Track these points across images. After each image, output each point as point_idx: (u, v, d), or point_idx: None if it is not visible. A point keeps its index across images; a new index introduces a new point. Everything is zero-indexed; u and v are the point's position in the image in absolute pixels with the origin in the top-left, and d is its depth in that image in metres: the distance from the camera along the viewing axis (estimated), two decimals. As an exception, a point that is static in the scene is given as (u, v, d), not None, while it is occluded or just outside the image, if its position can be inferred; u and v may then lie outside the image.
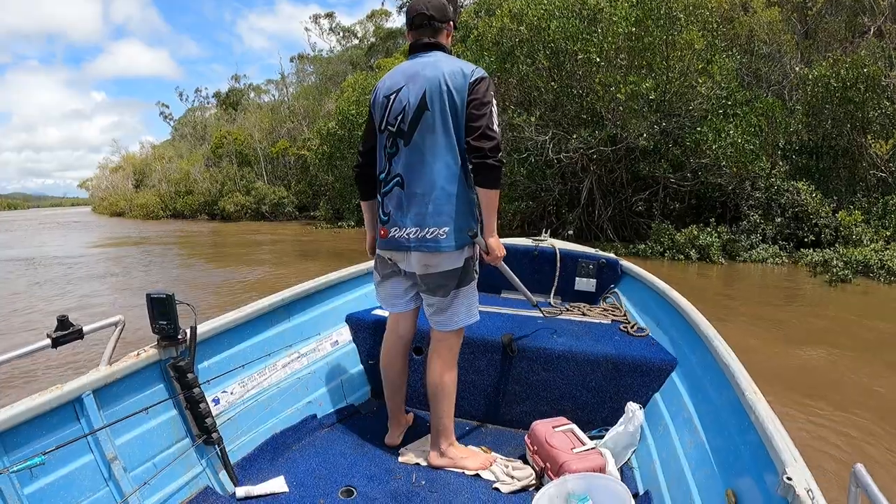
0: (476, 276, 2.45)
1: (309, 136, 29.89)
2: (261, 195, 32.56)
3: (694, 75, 12.62)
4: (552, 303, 4.03)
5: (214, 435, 2.29)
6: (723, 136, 12.17)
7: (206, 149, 43.52)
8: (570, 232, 6.18)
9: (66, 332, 1.95)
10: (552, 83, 13.49)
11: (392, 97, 2.31)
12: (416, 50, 2.36)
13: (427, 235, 2.26)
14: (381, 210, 2.43)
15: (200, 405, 2.25)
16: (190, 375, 2.24)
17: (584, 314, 3.55)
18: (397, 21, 47.09)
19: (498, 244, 2.37)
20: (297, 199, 31.95)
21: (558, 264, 4.26)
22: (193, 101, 67.32)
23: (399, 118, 2.28)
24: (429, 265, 2.31)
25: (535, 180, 14.91)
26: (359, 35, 54.07)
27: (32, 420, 1.80)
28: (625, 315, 3.56)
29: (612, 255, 4.29)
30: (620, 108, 12.32)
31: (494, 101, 2.26)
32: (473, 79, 2.20)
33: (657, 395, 2.70)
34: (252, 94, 55.54)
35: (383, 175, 2.38)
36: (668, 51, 12.67)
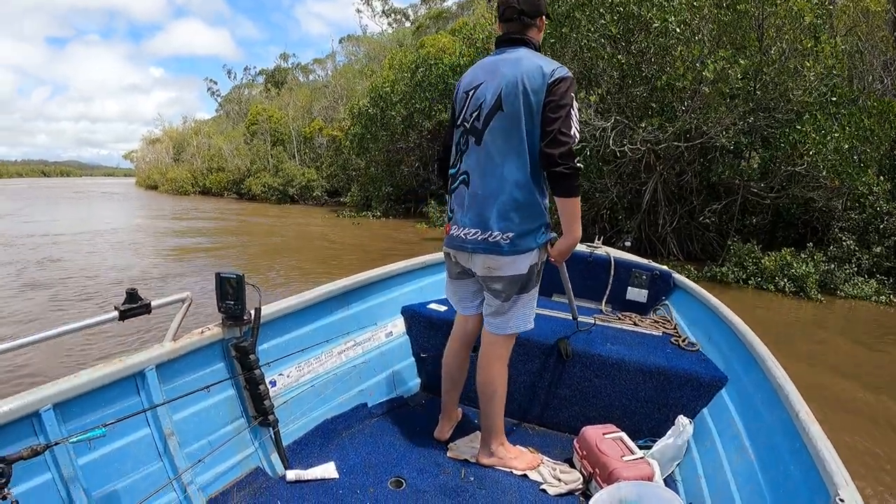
0: (538, 284, 2.39)
1: (344, 116, 27.91)
2: (289, 177, 30.66)
3: (798, 58, 9.95)
4: (604, 310, 4.01)
5: (271, 417, 2.31)
6: (828, 138, 9.60)
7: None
8: (628, 243, 5.07)
9: (134, 306, 1.95)
10: (618, 56, 10.88)
11: (471, 93, 2.29)
12: (501, 44, 2.30)
13: (489, 238, 2.23)
14: (448, 206, 2.44)
15: (260, 386, 2.27)
16: (252, 356, 2.26)
17: (635, 324, 3.54)
18: (450, 1, 45.89)
19: (568, 250, 2.31)
20: (329, 182, 29.85)
21: (612, 272, 4.18)
22: (242, 79, 68.01)
23: (474, 115, 2.26)
24: (492, 268, 2.28)
25: (589, 178, 12.35)
26: (411, 17, 52.64)
27: (94, 391, 1.82)
28: (675, 328, 3.53)
29: (665, 267, 4.20)
30: (707, 89, 9.71)
31: (575, 104, 2.16)
32: (553, 79, 2.11)
33: (705, 411, 2.68)
34: (299, 75, 55.32)
35: (453, 171, 2.38)
36: (765, 24, 10.05)
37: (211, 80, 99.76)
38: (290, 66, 61.62)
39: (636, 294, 4.15)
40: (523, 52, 2.20)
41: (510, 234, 2.18)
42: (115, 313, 1.91)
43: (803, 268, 9.84)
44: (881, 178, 11.41)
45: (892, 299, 9.91)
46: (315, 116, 34.27)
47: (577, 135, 2.12)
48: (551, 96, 2.08)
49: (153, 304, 2.00)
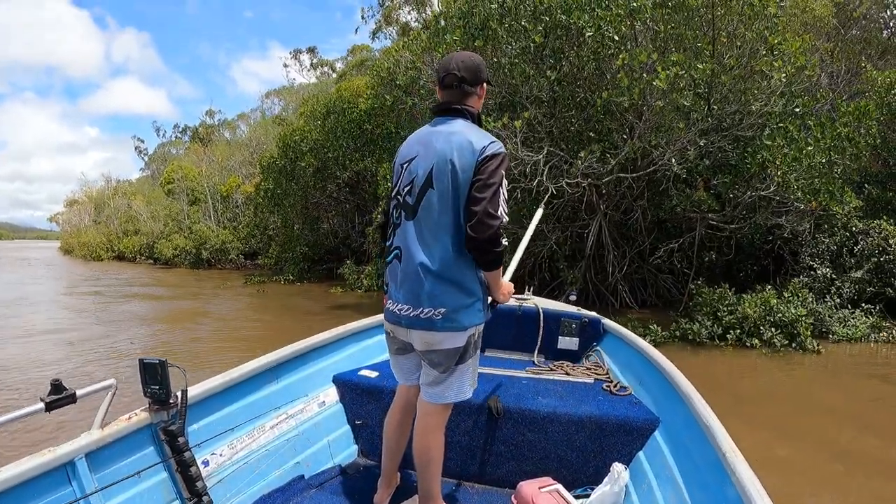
0: (476, 353, 2.33)
1: (257, 171, 25.58)
2: (202, 238, 27.94)
3: (760, 59, 8.23)
4: (536, 362, 4.00)
5: (205, 498, 2.26)
6: (803, 153, 7.98)
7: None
8: (573, 297, 4.92)
9: (59, 397, 1.92)
10: (548, 72, 8.89)
11: (405, 166, 2.23)
12: (438, 112, 2.25)
13: (421, 315, 2.14)
14: (384, 279, 2.36)
15: (191, 468, 2.22)
16: (181, 439, 2.22)
17: (567, 373, 3.56)
18: (374, 51, 45.14)
19: (506, 294, 2.35)
20: (245, 243, 27.17)
21: (541, 324, 4.16)
22: (171, 136, 65.96)
23: (407, 190, 2.20)
24: (430, 343, 2.20)
25: (522, 224, 10.35)
26: (338, 69, 51.45)
27: (25, 483, 1.78)
28: (607, 373, 3.53)
29: (594, 313, 4.19)
30: (660, 102, 7.82)
31: (505, 182, 2.10)
32: (483, 156, 2.04)
33: (641, 454, 2.67)
34: (226, 131, 53.76)
35: (388, 243, 2.32)
36: (716, 27, 8.36)
37: (138, 138, 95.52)
38: (216, 122, 59.70)
39: (567, 343, 4.15)
40: (458, 126, 2.14)
41: (442, 311, 2.10)
42: (41, 405, 1.86)
43: (791, 310, 7.99)
44: (852, 193, 10.18)
45: (894, 334, 8.54)
46: (233, 172, 31.89)
47: (506, 215, 2.05)
48: (479, 175, 2.01)
49: (79, 393, 1.97)
